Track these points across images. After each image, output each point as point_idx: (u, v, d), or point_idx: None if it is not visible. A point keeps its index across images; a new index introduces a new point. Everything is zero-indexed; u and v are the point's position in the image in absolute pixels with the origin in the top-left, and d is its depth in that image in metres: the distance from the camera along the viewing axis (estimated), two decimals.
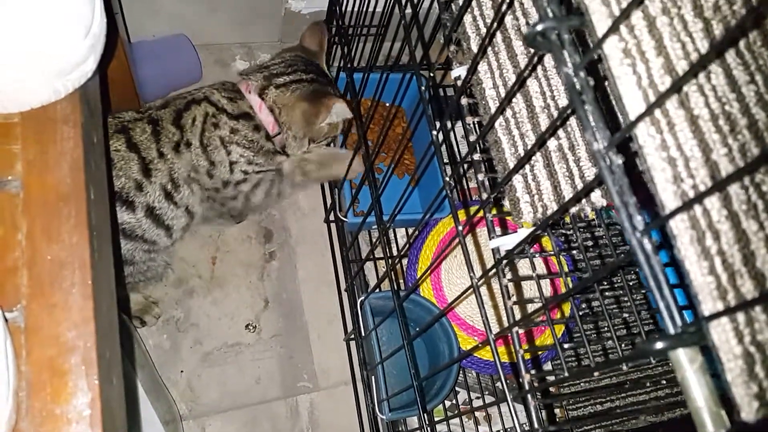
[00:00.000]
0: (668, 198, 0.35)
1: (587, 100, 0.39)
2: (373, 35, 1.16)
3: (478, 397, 1.24)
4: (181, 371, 1.20)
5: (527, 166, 0.62)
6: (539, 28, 0.41)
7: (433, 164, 1.18)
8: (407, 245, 0.77)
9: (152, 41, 1.34)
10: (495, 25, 0.55)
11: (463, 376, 1.19)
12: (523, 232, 0.60)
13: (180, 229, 1.04)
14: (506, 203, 0.62)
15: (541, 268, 1.10)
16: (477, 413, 1.20)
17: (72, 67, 0.52)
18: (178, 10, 1.34)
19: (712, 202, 0.35)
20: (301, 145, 1.11)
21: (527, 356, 1.10)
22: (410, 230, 1.28)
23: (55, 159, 0.55)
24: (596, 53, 0.39)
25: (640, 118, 0.36)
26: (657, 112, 0.37)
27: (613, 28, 0.40)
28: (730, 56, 0.41)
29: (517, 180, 0.62)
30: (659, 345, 0.33)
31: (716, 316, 0.32)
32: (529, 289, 1.12)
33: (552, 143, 0.61)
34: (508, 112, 0.65)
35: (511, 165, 0.63)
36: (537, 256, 0.63)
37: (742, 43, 0.42)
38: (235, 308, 1.26)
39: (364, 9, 1.00)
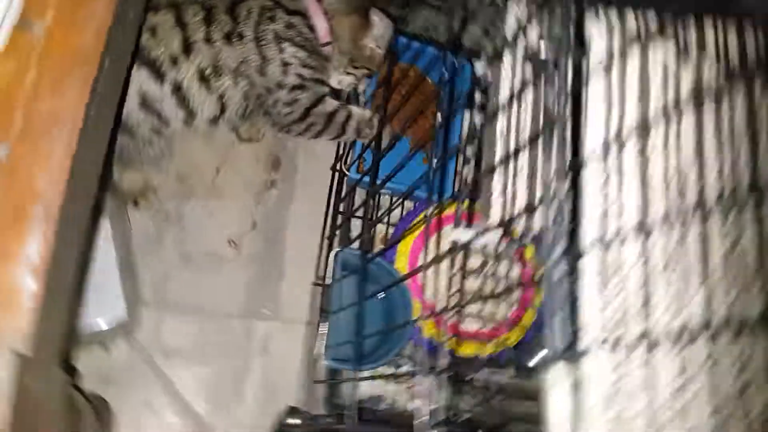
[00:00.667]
0: (590, 229, 0.37)
1: (557, 125, 0.41)
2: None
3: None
4: (159, 261, 1.24)
5: (510, 174, 0.64)
6: (540, 50, 0.43)
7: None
8: (387, 212, 0.80)
9: None
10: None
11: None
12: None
13: (206, 119, 1.03)
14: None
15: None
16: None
17: None
18: None
19: (630, 251, 0.37)
20: (341, 61, 1.09)
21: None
22: (410, 204, 1.31)
23: (84, 19, 0.57)
24: (580, 83, 0.41)
25: (595, 148, 0.37)
26: (612, 154, 0.39)
27: (606, 69, 0.41)
28: (708, 130, 0.42)
29: (497, 181, 0.64)
30: (536, 360, 0.36)
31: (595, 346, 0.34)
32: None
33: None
34: (512, 121, 0.66)
35: (497, 169, 0.65)
36: (485, 251, 0.65)
37: (725, 125, 0.43)
38: (224, 221, 1.31)
39: None
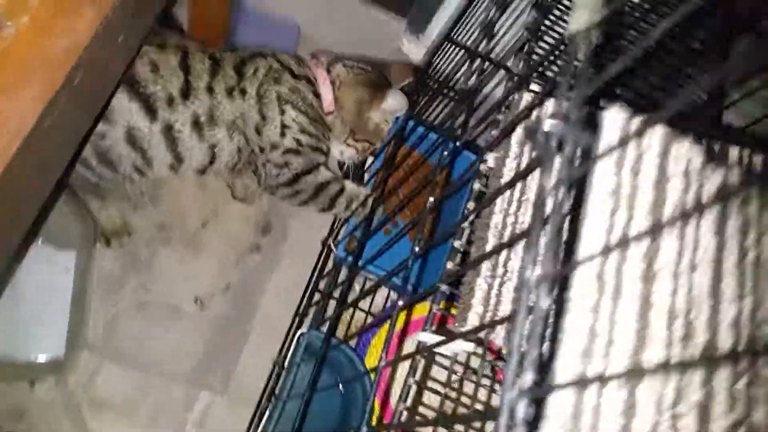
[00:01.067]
0: (564, 368, 0.29)
1: (550, 223, 0.34)
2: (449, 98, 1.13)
3: None
4: (113, 305, 1.16)
5: (497, 280, 0.57)
6: (545, 125, 0.36)
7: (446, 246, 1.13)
8: (360, 298, 0.71)
9: (264, 14, 1.36)
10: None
11: None
12: (455, 343, 0.54)
13: (194, 167, 0.99)
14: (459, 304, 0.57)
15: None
16: None
17: None
18: (300, 1, 1.36)
19: (611, 404, 0.29)
20: (343, 132, 1.08)
21: None
22: (393, 295, 1.22)
23: (61, 29, 0.53)
24: (581, 172, 0.34)
25: (585, 260, 0.30)
26: (610, 272, 0.31)
27: (617, 164, 0.35)
28: (729, 261, 0.35)
29: (480, 287, 0.56)
30: None
31: None
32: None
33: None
34: (509, 219, 0.59)
35: (484, 270, 0.57)
36: (456, 364, 0.56)
37: (750, 256, 0.36)
38: (196, 276, 1.22)
39: (451, 73, 0.98)
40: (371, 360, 1.08)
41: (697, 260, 0.35)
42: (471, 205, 0.62)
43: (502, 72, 0.82)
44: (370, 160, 1.22)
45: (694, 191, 0.35)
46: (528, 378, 0.29)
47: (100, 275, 1.16)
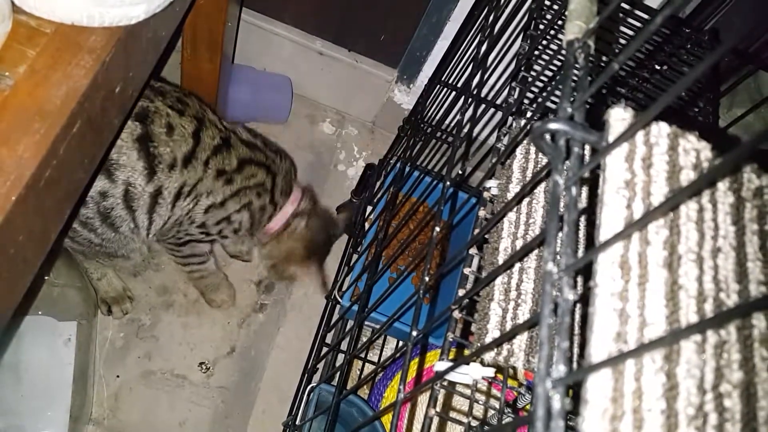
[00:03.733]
0: (599, 353, 0.27)
1: (566, 220, 0.33)
2: (441, 141, 1.14)
3: None
4: (117, 376, 1.12)
5: (511, 305, 0.55)
6: (551, 126, 0.36)
7: (454, 288, 1.11)
8: (365, 345, 0.69)
9: (257, 71, 1.40)
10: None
11: None
12: (473, 368, 0.52)
13: (149, 232, 1.00)
14: (473, 329, 0.55)
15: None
16: None
17: (114, 2, 0.52)
18: (292, 57, 1.39)
19: (652, 386, 0.27)
20: (264, 257, 1.19)
21: None
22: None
23: (59, 78, 0.53)
24: (593, 170, 0.33)
25: (609, 242, 0.29)
26: (633, 259, 0.30)
27: (628, 158, 0.34)
28: (751, 246, 0.34)
29: (494, 312, 0.55)
30: None
31: None
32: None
33: None
34: (518, 242, 0.58)
35: (497, 294, 0.56)
36: (475, 389, 0.54)
37: None
38: (200, 341, 1.20)
39: (442, 118, 0.99)
40: (385, 415, 1.04)
41: (719, 245, 0.34)
42: (477, 232, 0.61)
43: (492, 110, 0.83)
44: (369, 209, 1.22)
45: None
46: (560, 369, 0.28)
47: (103, 345, 1.13)
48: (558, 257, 0.32)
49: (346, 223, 1.28)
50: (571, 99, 0.38)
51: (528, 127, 0.60)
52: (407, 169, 0.99)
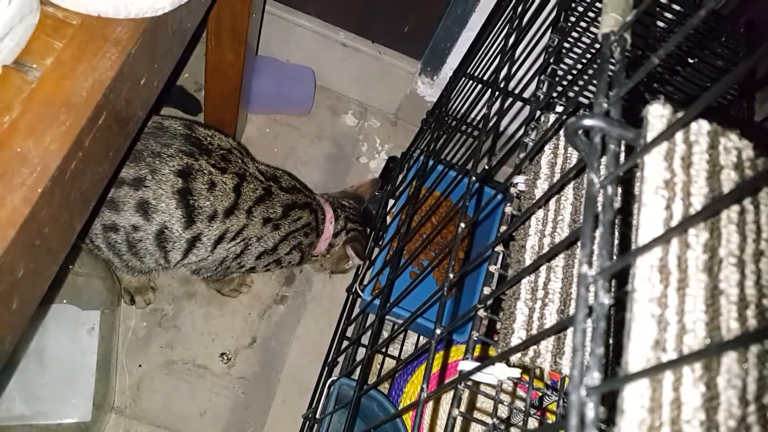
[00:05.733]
0: (636, 360, 0.26)
1: (602, 220, 0.32)
2: (466, 135, 1.13)
3: None
4: (140, 365, 1.13)
5: (537, 304, 0.54)
6: (587, 123, 0.35)
7: (477, 284, 1.10)
8: (387, 340, 0.69)
9: (280, 62, 1.39)
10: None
11: None
12: (498, 368, 0.51)
13: (188, 267, 1.04)
14: (499, 329, 0.54)
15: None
16: None
17: None
18: (315, 48, 1.39)
19: (690, 396, 0.26)
20: (321, 269, 1.25)
21: None
22: (423, 339, 1.19)
23: (85, 70, 0.53)
24: (633, 169, 0.32)
25: (649, 245, 0.28)
26: (672, 262, 0.29)
27: (667, 157, 0.33)
28: None
29: (521, 311, 0.54)
30: None
31: None
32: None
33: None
34: (546, 240, 0.57)
35: (523, 293, 0.55)
36: (500, 392, 0.53)
37: None
38: (222, 332, 1.20)
39: (469, 109, 0.98)
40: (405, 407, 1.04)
41: (762, 248, 0.32)
42: (503, 229, 0.60)
43: (519, 104, 0.82)
44: (391, 202, 1.21)
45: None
46: (595, 376, 0.27)
47: (126, 334, 1.14)
48: (593, 259, 0.31)
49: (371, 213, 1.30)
50: (607, 94, 0.37)
51: (560, 122, 0.59)
52: (431, 162, 0.98)
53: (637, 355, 0.26)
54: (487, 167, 0.69)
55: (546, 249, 0.57)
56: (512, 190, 0.64)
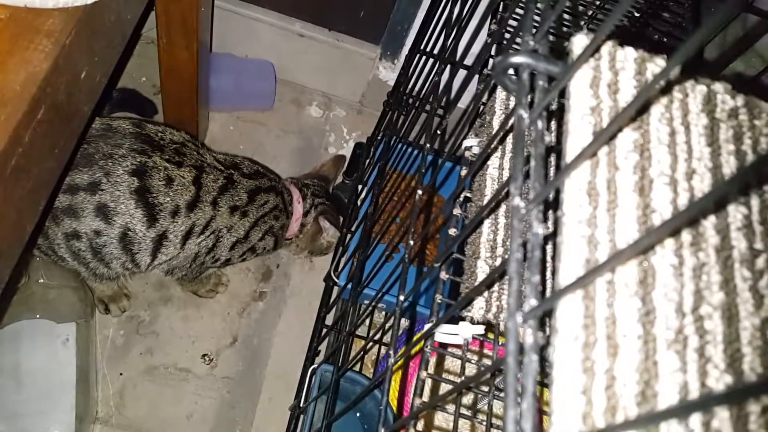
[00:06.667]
0: (568, 280, 0.26)
1: (533, 154, 0.31)
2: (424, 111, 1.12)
3: None
4: (121, 373, 1.12)
5: (498, 261, 0.54)
6: (514, 60, 0.34)
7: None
8: (358, 321, 0.68)
9: (238, 57, 1.38)
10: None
11: None
12: (462, 327, 0.51)
13: (160, 267, 1.03)
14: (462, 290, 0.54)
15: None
16: None
17: None
18: (273, 41, 1.38)
19: (626, 311, 0.26)
20: (298, 251, 1.25)
21: None
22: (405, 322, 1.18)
23: (17, 64, 0.52)
24: (558, 99, 0.32)
25: (574, 163, 0.28)
26: (601, 185, 0.29)
27: (593, 84, 0.33)
28: (728, 167, 0.33)
29: (481, 269, 0.53)
30: None
31: None
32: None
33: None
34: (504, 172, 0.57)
35: (483, 252, 0.55)
36: (464, 350, 0.53)
37: (749, 160, 0.33)
38: (201, 333, 1.19)
39: (421, 87, 0.97)
40: (392, 391, 1.03)
41: (693, 167, 0.32)
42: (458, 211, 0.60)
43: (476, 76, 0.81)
44: (360, 187, 1.20)
45: (678, 104, 0.33)
46: (532, 303, 0.26)
47: (104, 344, 1.12)
48: (527, 193, 0.31)
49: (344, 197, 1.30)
50: (533, 32, 0.37)
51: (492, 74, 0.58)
52: (394, 143, 0.98)
53: (568, 274, 0.26)
54: (440, 137, 0.68)
55: (503, 207, 0.57)
56: (467, 153, 0.64)
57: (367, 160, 1.29)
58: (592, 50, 0.29)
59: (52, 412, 1.01)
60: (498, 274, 0.37)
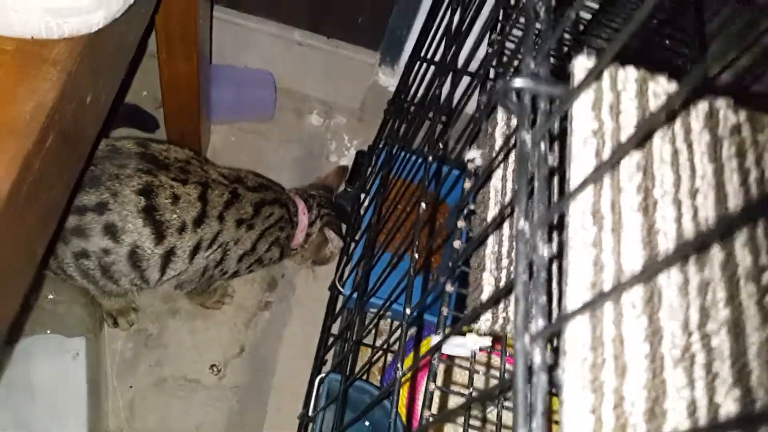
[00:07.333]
0: (574, 303, 0.27)
1: (537, 176, 0.32)
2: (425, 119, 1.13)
3: None
4: (130, 386, 1.13)
5: (503, 273, 0.54)
6: (516, 84, 0.35)
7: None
8: (365, 331, 0.69)
9: (237, 68, 1.39)
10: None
11: None
12: (470, 339, 0.52)
13: (170, 282, 1.04)
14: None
15: None
16: None
17: (71, 11, 0.52)
18: (272, 50, 1.38)
19: (633, 331, 0.27)
20: (302, 261, 1.26)
21: None
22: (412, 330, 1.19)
23: (25, 94, 0.53)
24: (561, 123, 0.33)
25: (579, 189, 0.28)
26: (605, 207, 0.30)
27: (595, 107, 0.34)
28: (731, 185, 0.33)
29: (487, 282, 0.54)
30: None
31: None
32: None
33: None
34: (506, 211, 0.58)
35: (488, 264, 0.55)
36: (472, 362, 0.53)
37: (753, 176, 0.34)
38: (209, 344, 1.20)
39: (423, 94, 0.98)
40: (400, 398, 1.04)
41: (697, 186, 0.33)
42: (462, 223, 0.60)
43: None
44: (363, 196, 1.21)
45: (680, 123, 0.34)
46: (539, 324, 0.27)
47: (113, 357, 1.13)
48: (532, 215, 0.32)
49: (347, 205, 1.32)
50: (534, 54, 0.37)
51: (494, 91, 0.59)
52: (397, 152, 0.99)
53: (575, 297, 0.27)
54: (442, 146, 0.69)
55: (507, 220, 0.58)
56: (470, 165, 0.64)
57: (369, 169, 1.30)
58: (595, 75, 0.30)
59: (64, 426, 1.02)
60: (504, 291, 0.38)
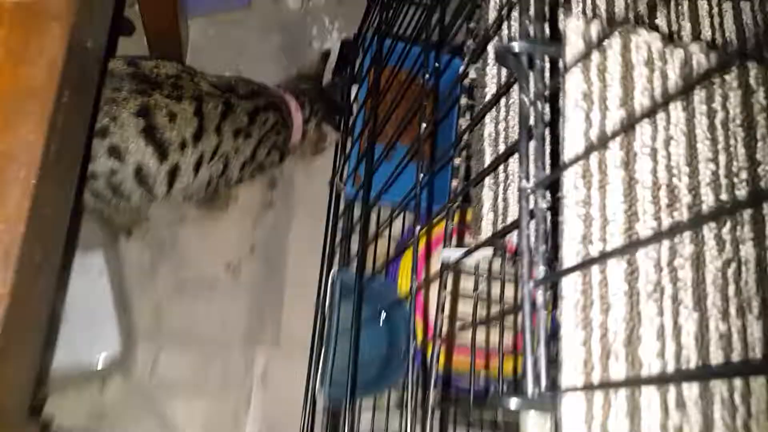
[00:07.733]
0: (569, 255, 0.33)
1: (535, 134, 0.37)
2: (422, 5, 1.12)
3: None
4: (153, 292, 1.21)
5: (501, 186, 0.60)
6: (514, 47, 0.39)
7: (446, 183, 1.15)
8: (378, 229, 0.76)
9: None
10: None
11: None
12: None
13: (179, 194, 1.08)
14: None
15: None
16: None
17: None
18: None
19: (615, 274, 0.33)
20: (302, 155, 1.32)
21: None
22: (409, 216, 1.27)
23: (35, 52, 0.55)
24: (557, 86, 0.37)
25: (572, 162, 0.34)
26: (593, 166, 0.35)
27: (584, 69, 0.38)
28: (700, 128, 0.38)
29: (487, 196, 0.60)
30: (512, 404, 0.31)
31: (573, 389, 0.30)
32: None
33: None
34: (501, 126, 0.62)
35: (487, 180, 0.61)
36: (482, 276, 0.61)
37: (719, 117, 0.39)
38: (221, 245, 1.28)
39: None
40: (404, 282, 1.13)
41: (671, 134, 0.38)
42: (462, 122, 0.65)
43: None
44: (354, 87, 1.23)
45: (658, 73, 0.38)
46: (540, 270, 0.33)
47: (132, 267, 1.21)
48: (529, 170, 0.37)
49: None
50: (530, 13, 0.40)
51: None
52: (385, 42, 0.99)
53: (569, 250, 0.33)
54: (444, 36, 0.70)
55: (502, 134, 0.62)
56: (466, 81, 0.68)
57: (357, 60, 1.30)
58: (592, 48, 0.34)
59: (98, 339, 1.10)
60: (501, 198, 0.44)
